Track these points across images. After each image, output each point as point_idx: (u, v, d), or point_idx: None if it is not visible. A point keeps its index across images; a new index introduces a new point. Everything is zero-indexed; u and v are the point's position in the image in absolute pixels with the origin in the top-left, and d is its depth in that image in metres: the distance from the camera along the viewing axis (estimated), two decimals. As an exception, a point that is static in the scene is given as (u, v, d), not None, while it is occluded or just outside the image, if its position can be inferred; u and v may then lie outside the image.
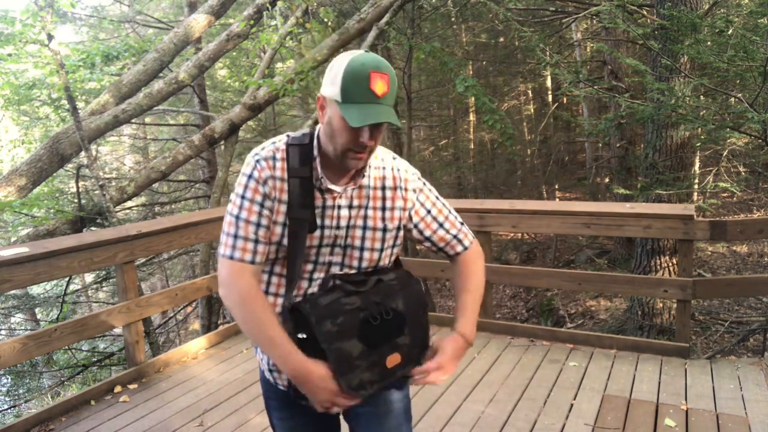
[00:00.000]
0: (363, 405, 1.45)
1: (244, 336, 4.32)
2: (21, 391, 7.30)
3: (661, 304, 6.03)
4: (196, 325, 11.03)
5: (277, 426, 1.57)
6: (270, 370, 1.47)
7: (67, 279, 6.76)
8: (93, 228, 5.83)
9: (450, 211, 1.54)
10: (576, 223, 3.82)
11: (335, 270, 1.40)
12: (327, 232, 1.36)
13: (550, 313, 8.55)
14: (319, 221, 1.35)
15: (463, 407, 3.03)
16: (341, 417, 1.60)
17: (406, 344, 1.35)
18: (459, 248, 1.55)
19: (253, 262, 1.32)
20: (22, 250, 3.04)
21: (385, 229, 1.42)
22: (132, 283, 3.59)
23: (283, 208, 1.34)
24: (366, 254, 1.41)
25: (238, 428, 2.94)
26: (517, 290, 10.45)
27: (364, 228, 1.40)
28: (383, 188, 1.42)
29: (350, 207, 1.38)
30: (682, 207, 3.79)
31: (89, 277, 11.62)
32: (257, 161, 1.33)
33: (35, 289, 9.89)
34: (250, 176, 1.32)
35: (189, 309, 9.87)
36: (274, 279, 1.40)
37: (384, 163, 1.45)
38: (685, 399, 2.98)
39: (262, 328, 1.30)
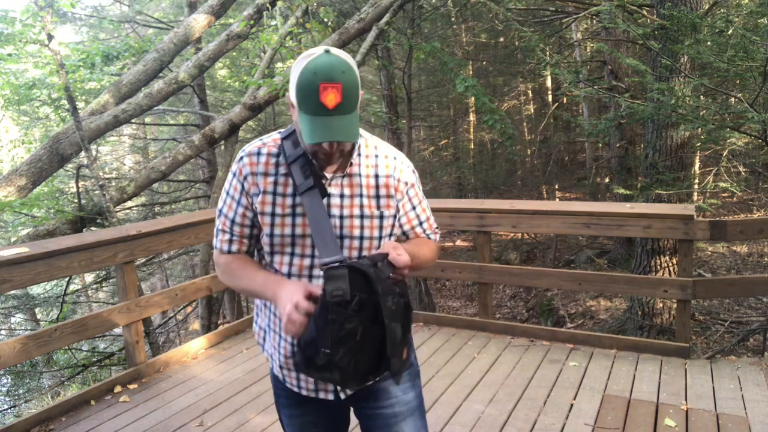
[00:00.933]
0: (378, 405, 1.47)
1: (244, 336, 4.32)
2: (21, 391, 7.31)
3: (661, 304, 6.03)
4: (196, 325, 11.03)
5: (286, 423, 1.57)
6: (280, 367, 1.48)
7: (67, 279, 6.76)
8: (93, 228, 5.83)
9: (430, 215, 1.58)
10: (576, 223, 3.82)
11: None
12: None
13: (550, 313, 8.55)
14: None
15: (463, 407, 3.03)
16: (352, 414, 1.60)
17: (409, 340, 1.35)
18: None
19: (229, 252, 1.46)
20: (22, 250, 3.04)
21: (381, 216, 1.43)
22: (132, 283, 3.59)
23: (269, 198, 1.37)
24: (366, 243, 1.41)
25: (238, 428, 2.94)
26: (517, 290, 10.46)
27: (362, 217, 1.40)
28: (376, 176, 1.43)
29: (341, 196, 1.39)
30: (682, 207, 3.79)
31: (89, 277, 11.63)
32: (240, 158, 1.40)
33: (35, 289, 9.89)
34: (233, 174, 1.41)
35: (189, 309, 9.88)
36: (296, 261, 1.40)
37: (377, 151, 1.45)
38: (685, 399, 2.98)
39: (248, 284, 1.40)
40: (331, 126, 1.21)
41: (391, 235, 1.47)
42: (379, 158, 1.44)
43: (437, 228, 1.60)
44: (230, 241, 1.44)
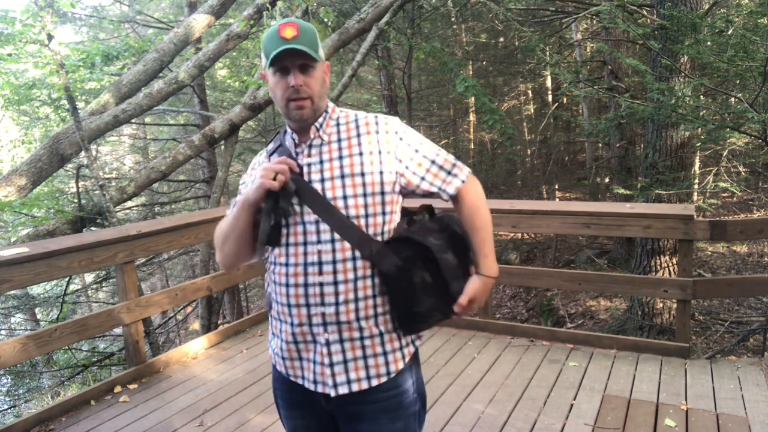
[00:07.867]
0: (365, 428, 1.46)
1: (244, 336, 4.32)
2: (21, 391, 7.31)
3: (661, 304, 6.03)
4: (196, 325, 11.03)
5: (284, 424, 1.62)
6: (283, 358, 1.50)
7: (67, 279, 6.76)
8: (93, 228, 5.83)
9: (438, 153, 1.48)
10: (576, 223, 3.82)
11: None
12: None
13: (550, 313, 8.54)
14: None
15: (463, 407, 3.03)
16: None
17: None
18: (451, 190, 1.48)
19: None
20: (22, 250, 3.04)
21: (363, 174, 1.40)
22: (132, 283, 3.59)
23: None
24: (350, 201, 1.38)
25: (238, 428, 2.94)
26: (517, 290, 10.45)
27: (342, 177, 1.40)
28: (358, 135, 1.45)
29: (321, 162, 1.44)
30: (682, 207, 3.80)
31: (89, 277, 11.63)
32: (251, 169, 1.60)
33: (35, 289, 9.89)
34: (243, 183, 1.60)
35: (189, 309, 9.88)
36: (291, 250, 1.44)
37: (357, 116, 1.48)
38: (685, 399, 2.98)
39: (231, 216, 1.50)
40: (288, 45, 1.35)
41: (383, 193, 1.41)
42: (359, 120, 1.47)
43: (453, 165, 1.48)
44: None
